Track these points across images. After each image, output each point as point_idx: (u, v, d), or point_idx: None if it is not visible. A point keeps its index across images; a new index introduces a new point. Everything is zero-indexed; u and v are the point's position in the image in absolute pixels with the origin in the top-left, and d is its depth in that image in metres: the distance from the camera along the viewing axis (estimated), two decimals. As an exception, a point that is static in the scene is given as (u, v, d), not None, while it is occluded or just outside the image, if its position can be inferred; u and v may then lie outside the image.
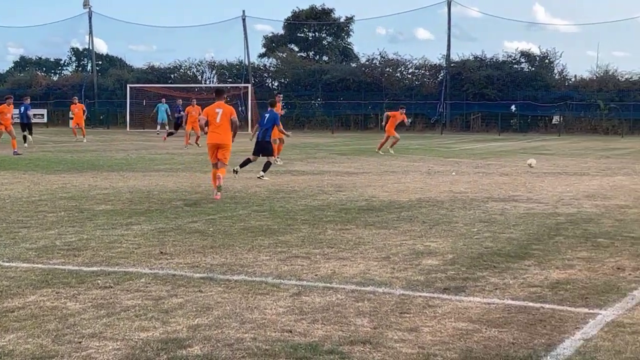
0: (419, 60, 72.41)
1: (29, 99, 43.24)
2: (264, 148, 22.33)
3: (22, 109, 40.81)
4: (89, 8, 79.66)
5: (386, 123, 35.37)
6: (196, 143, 39.35)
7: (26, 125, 40.37)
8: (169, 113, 54.74)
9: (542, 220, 14.17)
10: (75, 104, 47.50)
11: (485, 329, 7.25)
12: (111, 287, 8.63)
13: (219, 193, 17.22)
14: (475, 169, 26.03)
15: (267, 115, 22.72)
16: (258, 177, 21.70)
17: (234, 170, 21.20)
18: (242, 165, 22.01)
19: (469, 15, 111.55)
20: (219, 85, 75.70)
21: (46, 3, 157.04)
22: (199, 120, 20.07)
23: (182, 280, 9.00)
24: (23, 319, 7.38)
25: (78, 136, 45.70)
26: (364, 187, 19.68)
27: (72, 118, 49.03)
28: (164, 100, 59.36)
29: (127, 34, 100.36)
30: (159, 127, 55.72)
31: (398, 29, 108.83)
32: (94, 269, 9.60)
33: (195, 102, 42.94)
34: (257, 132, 22.87)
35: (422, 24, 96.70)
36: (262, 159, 22.27)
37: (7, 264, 9.85)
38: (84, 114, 47.23)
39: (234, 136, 17.91)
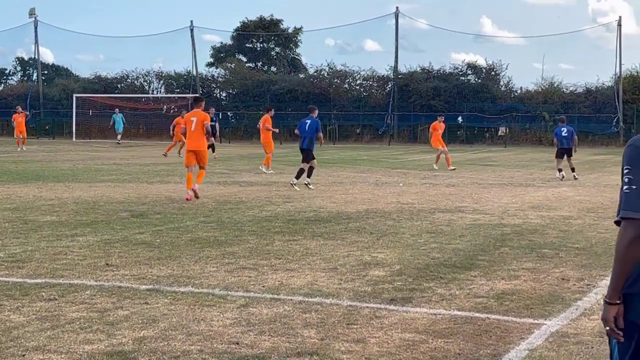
0: (367, 72, 72.72)
1: None
2: (306, 154, 22.74)
3: None
4: (35, 17, 78.87)
5: (431, 137, 34.11)
6: (178, 153, 39.34)
7: None
8: (124, 122, 55.94)
9: (488, 231, 14.29)
10: (18, 113, 47.67)
11: (432, 339, 7.29)
12: (56, 300, 8.53)
13: (190, 193, 18.68)
14: (422, 180, 26.18)
15: (307, 122, 22.99)
16: (305, 184, 22.26)
17: (291, 184, 22.07)
18: (298, 176, 22.47)
19: (416, 27, 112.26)
20: (162, 94, 75.40)
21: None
22: (180, 129, 20.55)
23: (128, 292, 8.93)
24: (-35, 332, 7.27)
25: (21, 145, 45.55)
26: (311, 198, 19.69)
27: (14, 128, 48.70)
28: (117, 110, 59.41)
29: (73, 43, 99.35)
30: (119, 136, 57.19)
31: (346, 40, 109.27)
32: (39, 280, 9.49)
33: (184, 113, 42.78)
34: (300, 140, 23.07)
35: (371, 35, 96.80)
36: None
37: (-51, 276, 9.70)
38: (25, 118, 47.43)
39: (207, 140, 19.22)
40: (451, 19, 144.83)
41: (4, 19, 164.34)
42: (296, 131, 23.77)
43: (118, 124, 57.16)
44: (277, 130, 33.38)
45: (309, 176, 22.62)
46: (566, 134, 27.83)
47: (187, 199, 18.53)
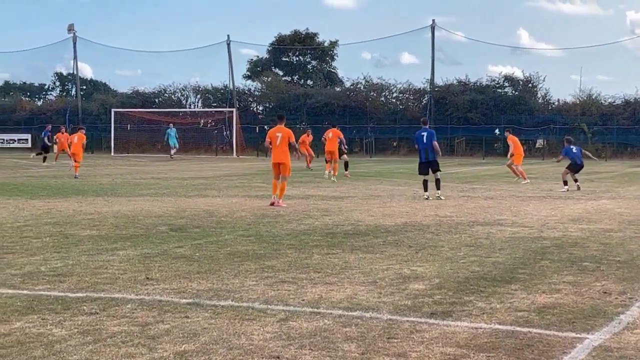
0: (403, 85, 72.77)
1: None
2: (432, 166, 23.44)
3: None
4: (74, 33, 79.66)
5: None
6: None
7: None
8: (177, 137, 57.03)
9: (528, 244, 14.19)
10: (62, 132, 47.10)
11: (473, 354, 7.24)
12: (97, 313, 8.58)
13: (276, 199, 20.77)
14: (460, 193, 26.07)
15: (424, 133, 23.50)
16: (437, 197, 23.07)
17: (437, 197, 23.05)
18: (438, 187, 23.49)
19: (453, 40, 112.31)
20: (199, 109, 75.77)
21: (31, 28, 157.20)
22: (267, 143, 21.88)
23: (169, 306, 8.97)
24: (9, 345, 7.33)
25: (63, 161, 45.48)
26: (349, 211, 19.68)
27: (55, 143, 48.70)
28: (171, 125, 60.04)
29: (112, 58, 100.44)
30: (172, 151, 57.91)
31: (383, 53, 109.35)
32: (80, 295, 9.55)
33: (310, 132, 43.24)
34: (419, 154, 23.75)
35: (407, 48, 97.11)
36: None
37: (-8, 290, 9.79)
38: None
39: (297, 152, 22.01)
40: (488, 31, 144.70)
41: (43, 35, 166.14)
42: (416, 145, 24.31)
43: (172, 138, 57.92)
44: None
45: (438, 188, 23.59)
46: (576, 151, 28.42)
47: (271, 204, 20.70)
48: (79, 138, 37.34)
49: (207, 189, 26.86)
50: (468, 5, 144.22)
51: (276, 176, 21.15)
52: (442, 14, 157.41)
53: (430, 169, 23.51)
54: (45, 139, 48.45)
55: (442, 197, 23.30)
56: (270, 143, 21.25)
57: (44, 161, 45.91)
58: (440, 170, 23.97)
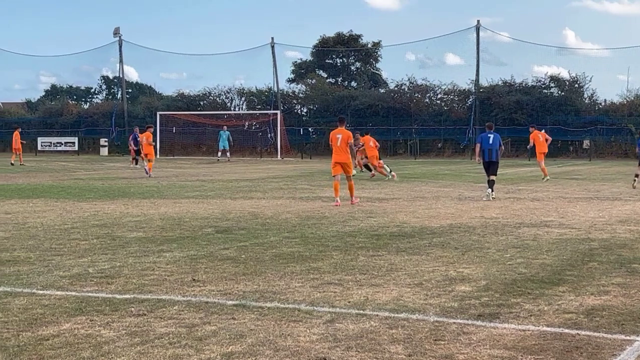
0: (447, 86, 72.35)
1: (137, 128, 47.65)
2: (492, 166, 24.37)
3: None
4: (119, 36, 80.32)
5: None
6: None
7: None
8: (230, 140, 57.38)
9: (575, 245, 14.06)
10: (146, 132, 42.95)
11: (521, 356, 7.19)
12: (145, 315, 8.64)
13: (339, 200, 21.74)
14: (506, 194, 25.88)
15: (491, 136, 24.55)
16: (492, 198, 23.56)
17: (492, 198, 23.61)
18: (492, 188, 24.13)
19: (498, 40, 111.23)
20: (244, 111, 76.05)
21: (78, 32, 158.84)
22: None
23: (215, 308, 9.00)
24: (58, 347, 7.40)
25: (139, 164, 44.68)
26: (394, 213, 19.63)
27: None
28: (225, 127, 60.40)
29: (157, 61, 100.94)
30: (219, 153, 58.91)
31: (427, 55, 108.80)
32: (127, 296, 9.63)
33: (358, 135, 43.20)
34: (483, 154, 24.56)
35: (452, 49, 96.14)
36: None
37: (41, 291, 9.90)
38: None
39: (352, 156, 22.43)
40: (533, 31, 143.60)
41: (90, 38, 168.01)
42: (478, 146, 25.05)
43: (223, 141, 58.30)
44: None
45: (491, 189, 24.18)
46: None
47: (336, 205, 21.37)
48: (147, 137, 38.26)
49: (251, 191, 26.94)
50: (513, 5, 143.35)
51: (336, 177, 22.09)
52: (487, 14, 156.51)
53: (490, 169, 24.34)
54: (132, 143, 48.10)
55: (493, 197, 23.68)
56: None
57: (136, 163, 46.11)
58: (496, 175, 24.65)
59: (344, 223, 17.44)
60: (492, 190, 24.03)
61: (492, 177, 24.24)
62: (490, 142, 24.45)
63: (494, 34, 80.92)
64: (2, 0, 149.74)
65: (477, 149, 25.03)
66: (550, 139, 35.72)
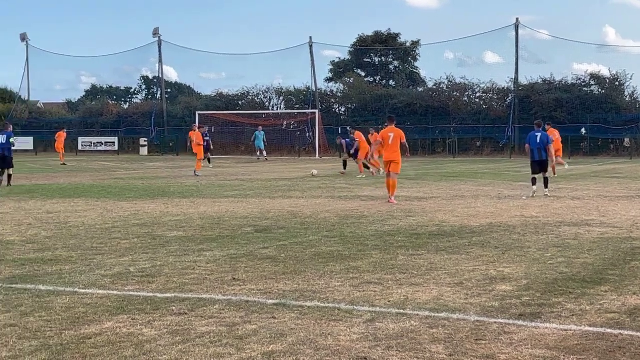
0: (486, 84, 72.02)
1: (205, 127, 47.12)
2: (542, 165, 24.79)
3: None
4: (159, 37, 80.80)
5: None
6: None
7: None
8: (265, 140, 57.83)
9: (617, 244, 13.93)
10: (195, 130, 42.31)
11: (564, 356, 7.14)
12: (186, 314, 8.68)
13: (392, 198, 22.34)
14: (546, 193, 25.69)
15: (538, 134, 24.93)
16: (545, 195, 24.06)
17: (547, 195, 24.13)
18: (546, 185, 24.68)
19: (537, 38, 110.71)
20: (282, 110, 76.19)
21: (118, 33, 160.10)
22: (375, 143, 24.20)
23: (256, 307, 9.03)
24: (100, 345, 7.46)
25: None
26: (433, 212, 19.57)
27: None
28: (260, 127, 60.68)
29: (197, 61, 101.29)
30: (258, 152, 59.24)
31: (466, 53, 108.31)
32: (168, 295, 9.68)
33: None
34: (532, 153, 24.88)
35: (491, 47, 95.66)
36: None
37: (83, 290, 9.99)
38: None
39: (402, 154, 22.98)
40: (573, 29, 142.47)
41: (130, 39, 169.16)
42: (527, 147, 25.35)
43: (258, 140, 58.53)
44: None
45: (546, 187, 24.64)
46: None
47: (390, 202, 22.02)
48: (196, 137, 38.62)
49: (290, 190, 26.98)
50: (552, 3, 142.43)
51: (388, 174, 22.87)
52: (526, 12, 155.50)
53: (540, 168, 24.71)
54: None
55: (549, 195, 24.10)
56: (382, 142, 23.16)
57: (209, 162, 45.78)
58: (547, 171, 25.02)
59: (383, 222, 17.41)
60: (547, 188, 24.50)
61: (544, 175, 24.65)
62: (538, 140, 24.72)
63: (534, 31, 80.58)
64: (44, 3, 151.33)
65: (528, 149, 25.36)
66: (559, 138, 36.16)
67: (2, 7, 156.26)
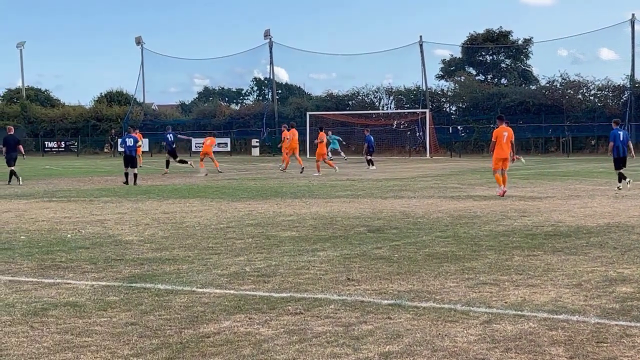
0: (601, 82, 70.58)
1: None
2: (624, 161, 26.69)
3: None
4: (270, 38, 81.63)
5: None
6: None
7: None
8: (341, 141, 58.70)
9: None
10: (289, 130, 43.83)
11: (689, 360, 6.92)
12: (302, 314, 8.73)
13: (504, 189, 23.92)
14: (665, 192, 25.03)
15: (620, 132, 26.87)
16: (618, 188, 25.71)
17: (628, 186, 26.00)
18: (620, 179, 26.28)
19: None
20: (392, 110, 76.00)
21: (230, 35, 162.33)
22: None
23: (371, 307, 9.02)
24: (219, 344, 7.56)
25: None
26: (549, 212, 19.24)
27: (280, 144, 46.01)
28: (330, 132, 61.44)
29: (307, 62, 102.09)
30: (342, 153, 60.36)
31: (580, 50, 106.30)
32: (284, 295, 9.75)
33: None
34: (618, 150, 26.63)
35: (606, 43, 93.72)
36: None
37: (200, 290, 10.14)
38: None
39: (512, 152, 24.68)
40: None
41: (242, 41, 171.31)
42: (611, 144, 26.95)
43: (334, 143, 59.02)
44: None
45: (620, 181, 26.22)
46: None
47: (502, 194, 23.61)
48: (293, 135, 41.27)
49: (402, 190, 26.90)
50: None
51: (498, 171, 24.24)
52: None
53: (623, 164, 26.56)
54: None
55: (622, 188, 25.68)
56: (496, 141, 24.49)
57: (166, 166, 43.44)
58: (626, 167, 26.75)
59: (497, 222, 17.20)
60: (627, 179, 26.05)
61: (622, 169, 26.35)
62: (621, 138, 26.64)
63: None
64: (158, 7, 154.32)
65: (611, 146, 26.89)
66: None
67: (117, 11, 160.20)
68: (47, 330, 8.17)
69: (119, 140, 32.98)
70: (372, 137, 47.66)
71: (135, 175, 32.12)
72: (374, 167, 43.95)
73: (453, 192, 26.06)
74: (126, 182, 31.59)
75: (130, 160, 32.32)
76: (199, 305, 9.23)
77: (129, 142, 33.08)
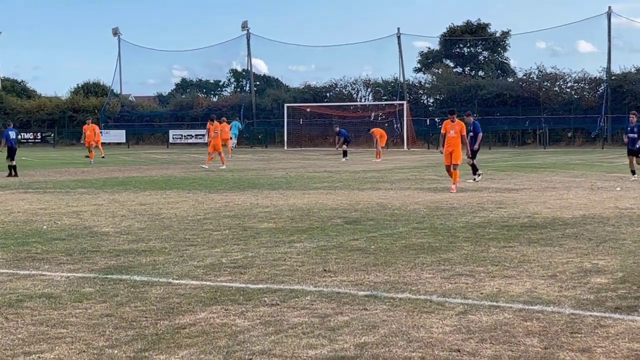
0: (578, 74, 70.89)
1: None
2: (637, 153, 26.96)
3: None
4: (247, 30, 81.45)
5: None
6: None
7: None
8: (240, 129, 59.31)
9: None
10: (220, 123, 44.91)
11: (662, 350, 6.98)
12: (278, 305, 8.73)
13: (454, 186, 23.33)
14: (640, 184, 25.20)
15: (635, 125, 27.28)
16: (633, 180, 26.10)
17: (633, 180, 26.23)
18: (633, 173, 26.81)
19: (632, 27, 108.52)
20: (370, 102, 76.07)
21: (209, 26, 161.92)
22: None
23: (347, 298, 9.04)
24: (194, 335, 7.55)
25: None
26: (525, 203, 19.32)
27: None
28: (237, 118, 61.62)
29: (285, 54, 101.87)
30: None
31: (557, 42, 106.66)
32: (260, 286, 9.75)
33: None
34: (633, 142, 27.06)
35: (583, 36, 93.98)
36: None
37: (176, 281, 10.12)
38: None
39: (467, 147, 24.88)
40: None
41: (220, 32, 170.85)
42: (625, 136, 28.06)
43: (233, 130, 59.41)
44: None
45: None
46: None
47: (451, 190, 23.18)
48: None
49: (379, 182, 26.95)
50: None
51: (447, 166, 24.11)
52: (620, 1, 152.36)
53: (635, 156, 26.89)
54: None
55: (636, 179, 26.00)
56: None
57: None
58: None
59: (473, 214, 17.27)
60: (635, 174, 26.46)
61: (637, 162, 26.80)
62: (636, 130, 26.99)
63: (629, 20, 78.84)
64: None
65: (626, 139, 27.35)
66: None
67: (95, 2, 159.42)
68: (22, 321, 8.13)
69: (4, 133, 32.31)
70: (345, 130, 48.14)
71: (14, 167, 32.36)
72: (346, 159, 43.96)
73: (430, 183, 26.12)
74: (14, 175, 31.66)
75: (14, 152, 32.97)
76: (175, 296, 9.21)
77: (12, 135, 33.88)
